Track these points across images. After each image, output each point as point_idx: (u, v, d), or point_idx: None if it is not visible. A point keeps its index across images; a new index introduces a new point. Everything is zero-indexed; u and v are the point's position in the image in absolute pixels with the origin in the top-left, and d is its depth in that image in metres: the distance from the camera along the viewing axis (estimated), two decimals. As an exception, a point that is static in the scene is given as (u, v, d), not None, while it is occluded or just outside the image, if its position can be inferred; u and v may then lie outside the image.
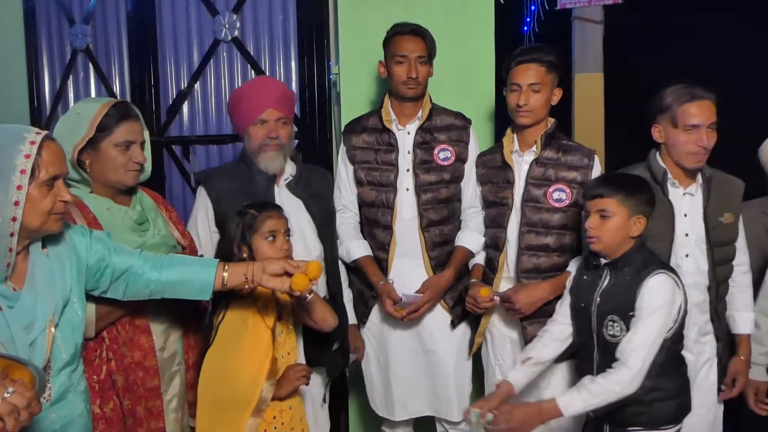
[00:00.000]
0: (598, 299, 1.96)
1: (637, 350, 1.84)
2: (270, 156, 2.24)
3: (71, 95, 3.55)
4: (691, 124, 2.09)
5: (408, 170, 2.40)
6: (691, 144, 2.10)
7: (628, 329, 1.88)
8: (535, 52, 2.23)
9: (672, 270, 1.94)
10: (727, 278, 2.25)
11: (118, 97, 3.31)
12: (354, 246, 2.43)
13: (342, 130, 2.53)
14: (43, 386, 1.32)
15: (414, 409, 2.50)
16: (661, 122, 2.16)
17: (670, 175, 2.17)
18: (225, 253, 2.01)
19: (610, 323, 1.92)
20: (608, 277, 1.95)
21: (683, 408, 1.98)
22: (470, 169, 2.44)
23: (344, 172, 2.49)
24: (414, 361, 2.46)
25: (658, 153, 2.20)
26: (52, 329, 1.50)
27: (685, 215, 2.16)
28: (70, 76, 3.53)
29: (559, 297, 2.18)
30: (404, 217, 2.40)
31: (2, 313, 1.43)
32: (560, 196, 2.22)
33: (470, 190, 2.45)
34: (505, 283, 2.31)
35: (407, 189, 2.40)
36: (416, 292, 2.35)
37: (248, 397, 1.91)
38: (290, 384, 1.97)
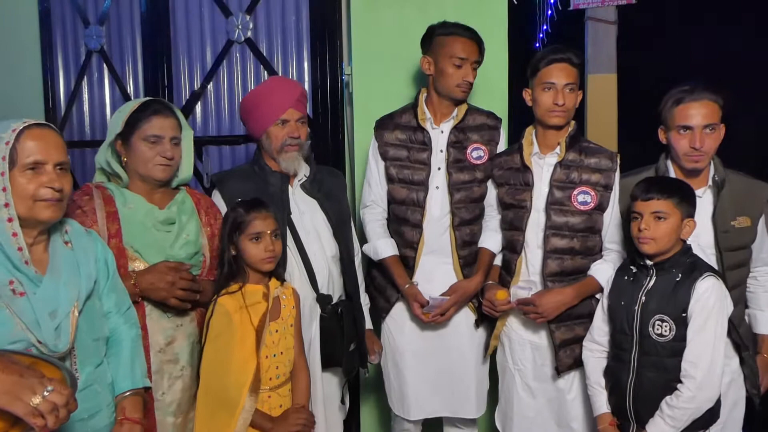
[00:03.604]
0: (643, 298, 1.96)
1: (699, 360, 1.86)
2: (291, 156, 2.24)
3: (86, 96, 3.58)
4: (682, 125, 2.07)
5: (440, 168, 2.39)
6: (684, 145, 2.07)
7: (677, 330, 1.89)
8: (569, 52, 2.21)
9: (719, 274, 1.96)
10: (740, 284, 2.19)
11: (132, 98, 3.34)
12: (382, 244, 2.42)
13: (355, 130, 2.52)
14: (75, 384, 1.33)
15: (430, 408, 2.48)
16: (664, 124, 2.14)
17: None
18: (220, 251, 2.02)
19: (658, 322, 1.92)
20: (654, 278, 1.96)
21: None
22: None
23: (375, 167, 2.48)
24: (433, 359, 2.44)
25: (666, 155, 2.18)
26: (76, 313, 1.53)
27: None
28: (85, 77, 3.55)
29: (582, 301, 2.19)
30: (434, 215, 2.39)
31: (26, 297, 1.45)
32: (585, 198, 2.20)
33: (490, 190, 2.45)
34: (522, 285, 2.29)
35: (437, 187, 2.39)
36: (443, 294, 2.34)
37: (236, 399, 1.90)
38: (287, 427, 1.97)
